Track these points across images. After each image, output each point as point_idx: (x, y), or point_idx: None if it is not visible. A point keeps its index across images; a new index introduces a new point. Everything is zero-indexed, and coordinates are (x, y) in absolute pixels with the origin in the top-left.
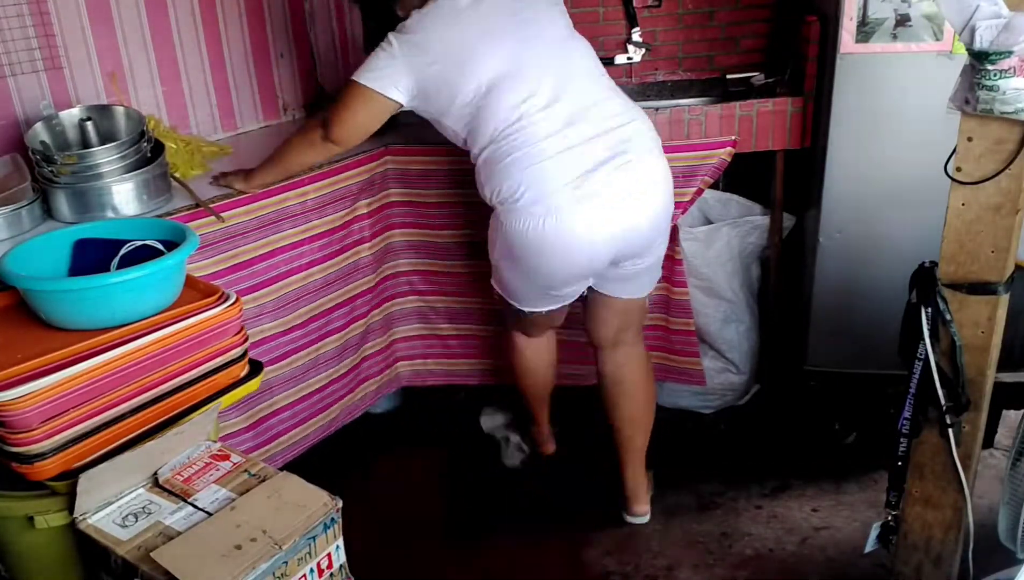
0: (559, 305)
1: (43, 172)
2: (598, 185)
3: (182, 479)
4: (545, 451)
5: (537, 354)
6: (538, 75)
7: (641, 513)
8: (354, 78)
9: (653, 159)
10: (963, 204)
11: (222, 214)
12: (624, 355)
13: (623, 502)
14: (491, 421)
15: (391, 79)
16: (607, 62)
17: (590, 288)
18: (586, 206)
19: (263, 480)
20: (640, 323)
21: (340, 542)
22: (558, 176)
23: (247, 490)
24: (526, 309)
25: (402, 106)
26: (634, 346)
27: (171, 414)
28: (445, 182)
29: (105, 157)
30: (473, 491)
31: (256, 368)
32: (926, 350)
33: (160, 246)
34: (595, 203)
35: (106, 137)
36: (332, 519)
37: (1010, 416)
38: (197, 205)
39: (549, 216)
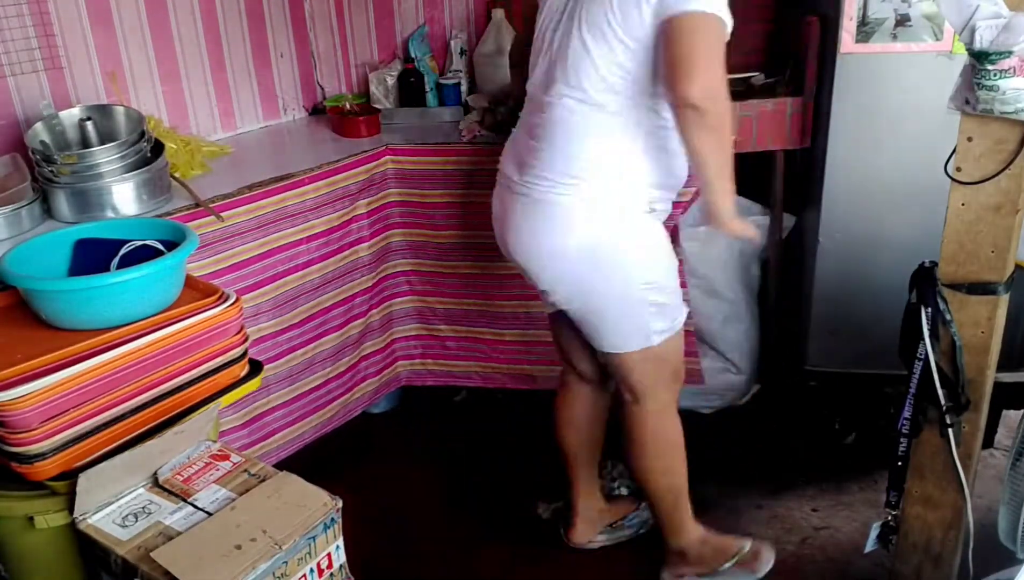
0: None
1: (43, 172)
2: None
3: (182, 479)
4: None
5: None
6: None
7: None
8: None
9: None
10: (963, 204)
11: (222, 214)
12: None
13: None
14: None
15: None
16: None
17: None
18: None
19: (263, 480)
20: (629, 381)
21: (340, 542)
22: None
23: (247, 490)
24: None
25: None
26: (630, 403)
27: (171, 414)
28: (445, 182)
29: (105, 157)
30: (471, 492)
31: (256, 368)
32: (926, 350)
33: (160, 246)
34: None
35: (106, 137)
36: (332, 519)
37: (1010, 416)
38: (197, 205)
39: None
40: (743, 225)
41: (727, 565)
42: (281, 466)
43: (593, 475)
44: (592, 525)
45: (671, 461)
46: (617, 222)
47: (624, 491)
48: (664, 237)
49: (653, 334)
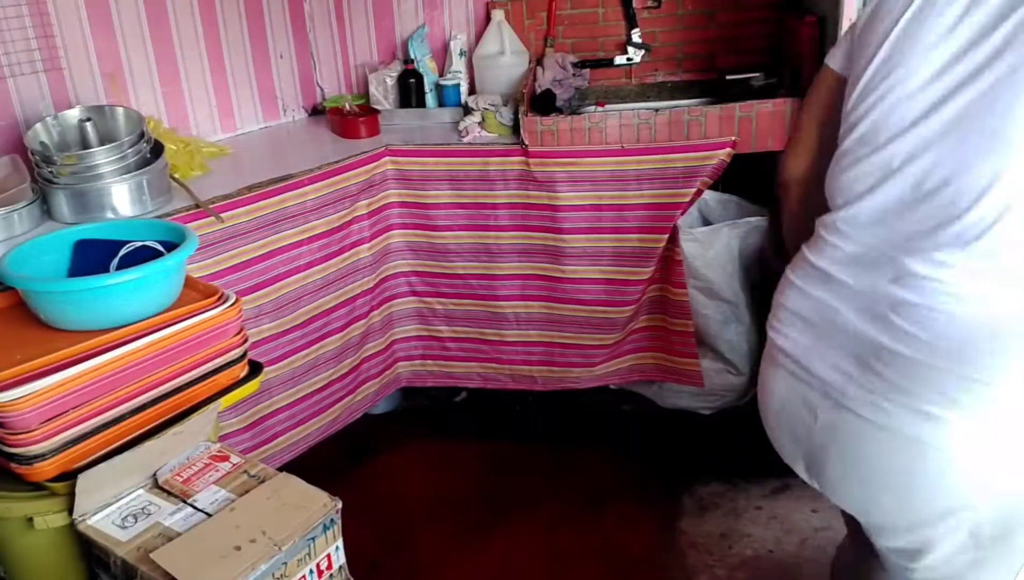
0: None
1: (43, 173)
2: None
3: (182, 480)
4: None
5: None
6: None
7: None
8: None
9: None
10: None
11: (221, 215)
12: None
13: None
14: None
15: None
16: (607, 63)
17: None
18: None
19: (263, 481)
20: None
21: (340, 543)
22: None
23: (247, 491)
24: None
25: None
26: None
27: (171, 415)
28: (445, 183)
29: (105, 158)
30: (472, 493)
31: (256, 369)
32: None
33: (160, 247)
34: None
35: (106, 138)
36: (332, 520)
37: None
38: (197, 206)
39: None
40: None
41: None
42: (284, 469)
43: None
44: None
45: None
46: None
47: None
48: None
49: None
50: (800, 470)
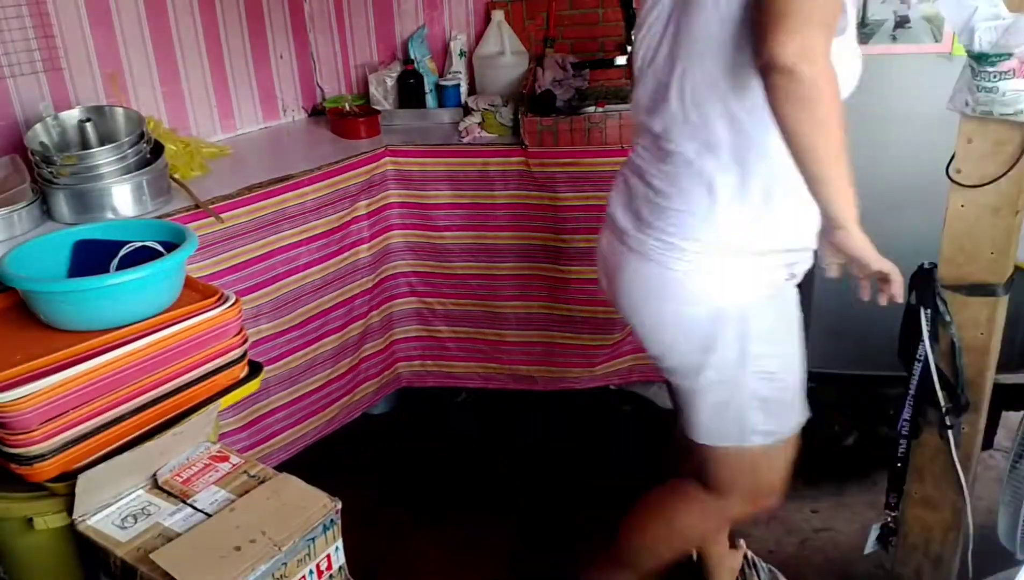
0: None
1: (42, 173)
2: None
3: (181, 480)
4: None
5: None
6: None
7: None
8: None
9: None
10: (962, 206)
11: (221, 215)
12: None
13: None
14: None
15: None
16: (607, 64)
17: None
18: None
19: (262, 481)
20: (708, 473)
21: (339, 543)
22: None
23: (246, 491)
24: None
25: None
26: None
27: (171, 415)
28: (445, 183)
29: (105, 158)
30: (470, 494)
31: (255, 369)
32: (925, 351)
33: (159, 247)
34: None
35: (106, 138)
36: (332, 520)
37: (1010, 418)
38: (196, 206)
39: None
40: (879, 258)
41: None
42: (282, 468)
43: None
44: None
45: (673, 546)
46: (742, 294)
47: None
48: (796, 319)
49: (752, 434)
50: (615, 306)
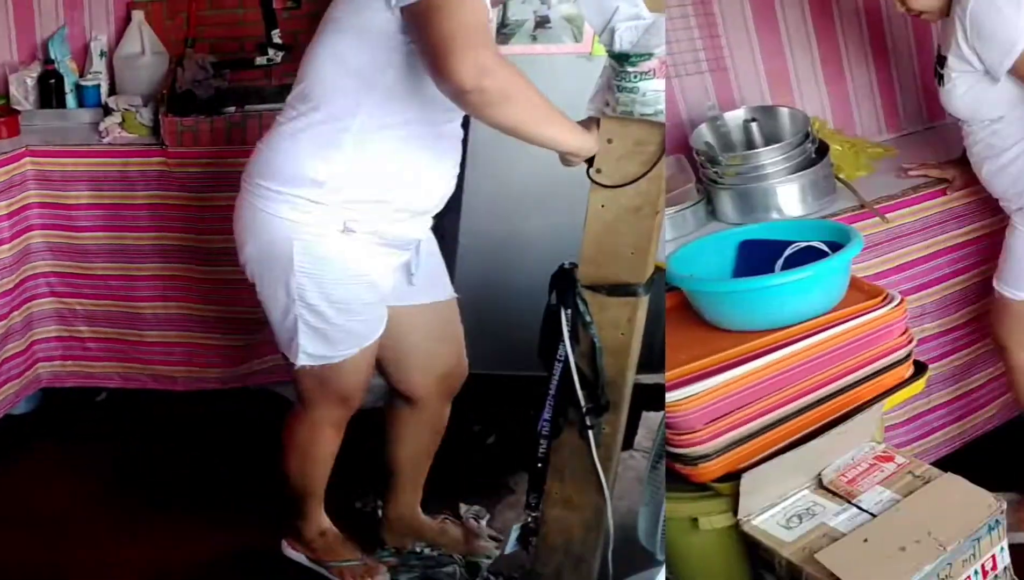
0: None
1: (707, 173)
2: None
3: (846, 480)
4: None
5: None
6: None
7: None
8: None
9: None
10: (603, 205)
11: (886, 215)
12: None
13: None
14: None
15: None
16: (247, 64)
17: None
18: None
19: (927, 482)
20: (295, 388)
21: (1004, 544)
22: None
23: (911, 491)
24: None
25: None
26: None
27: (834, 415)
28: (86, 184)
29: (770, 158)
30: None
31: (920, 369)
32: (566, 351)
33: (824, 247)
34: None
35: (770, 138)
36: (996, 521)
37: (650, 417)
38: (862, 206)
39: None
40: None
41: None
42: None
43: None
44: None
45: (305, 467)
46: (294, 235)
47: None
48: (354, 265)
49: (302, 354)
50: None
